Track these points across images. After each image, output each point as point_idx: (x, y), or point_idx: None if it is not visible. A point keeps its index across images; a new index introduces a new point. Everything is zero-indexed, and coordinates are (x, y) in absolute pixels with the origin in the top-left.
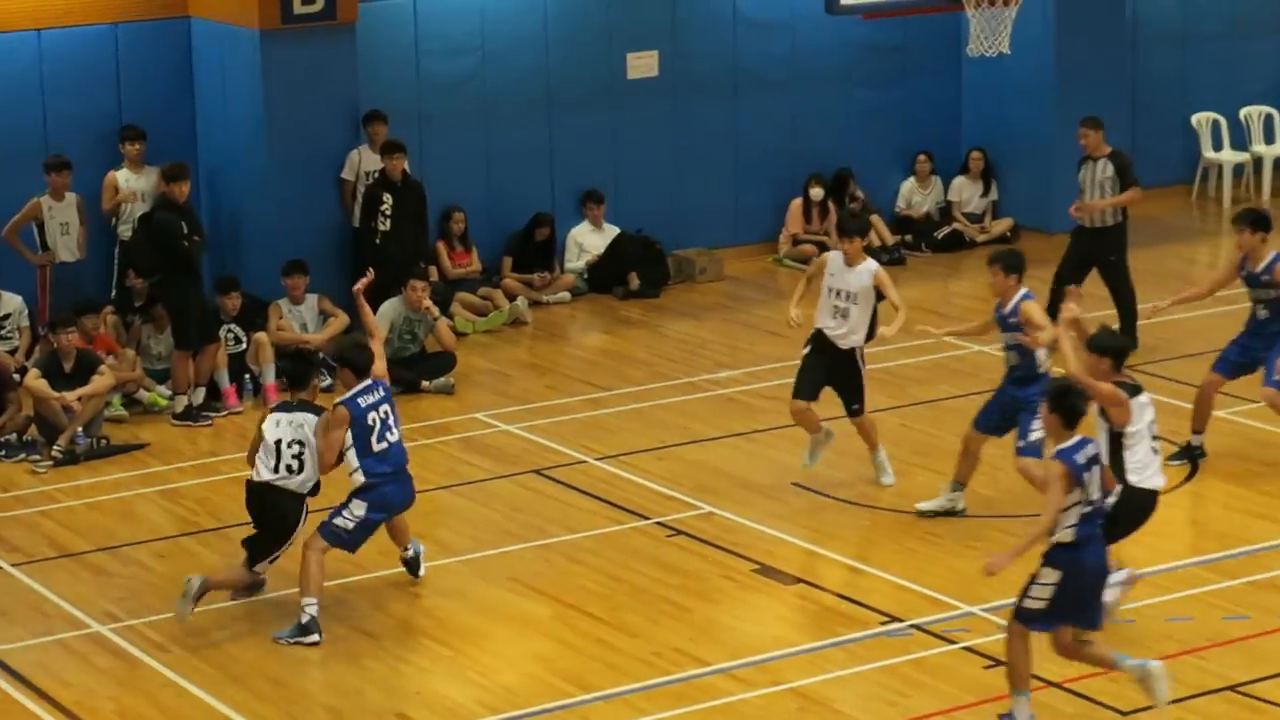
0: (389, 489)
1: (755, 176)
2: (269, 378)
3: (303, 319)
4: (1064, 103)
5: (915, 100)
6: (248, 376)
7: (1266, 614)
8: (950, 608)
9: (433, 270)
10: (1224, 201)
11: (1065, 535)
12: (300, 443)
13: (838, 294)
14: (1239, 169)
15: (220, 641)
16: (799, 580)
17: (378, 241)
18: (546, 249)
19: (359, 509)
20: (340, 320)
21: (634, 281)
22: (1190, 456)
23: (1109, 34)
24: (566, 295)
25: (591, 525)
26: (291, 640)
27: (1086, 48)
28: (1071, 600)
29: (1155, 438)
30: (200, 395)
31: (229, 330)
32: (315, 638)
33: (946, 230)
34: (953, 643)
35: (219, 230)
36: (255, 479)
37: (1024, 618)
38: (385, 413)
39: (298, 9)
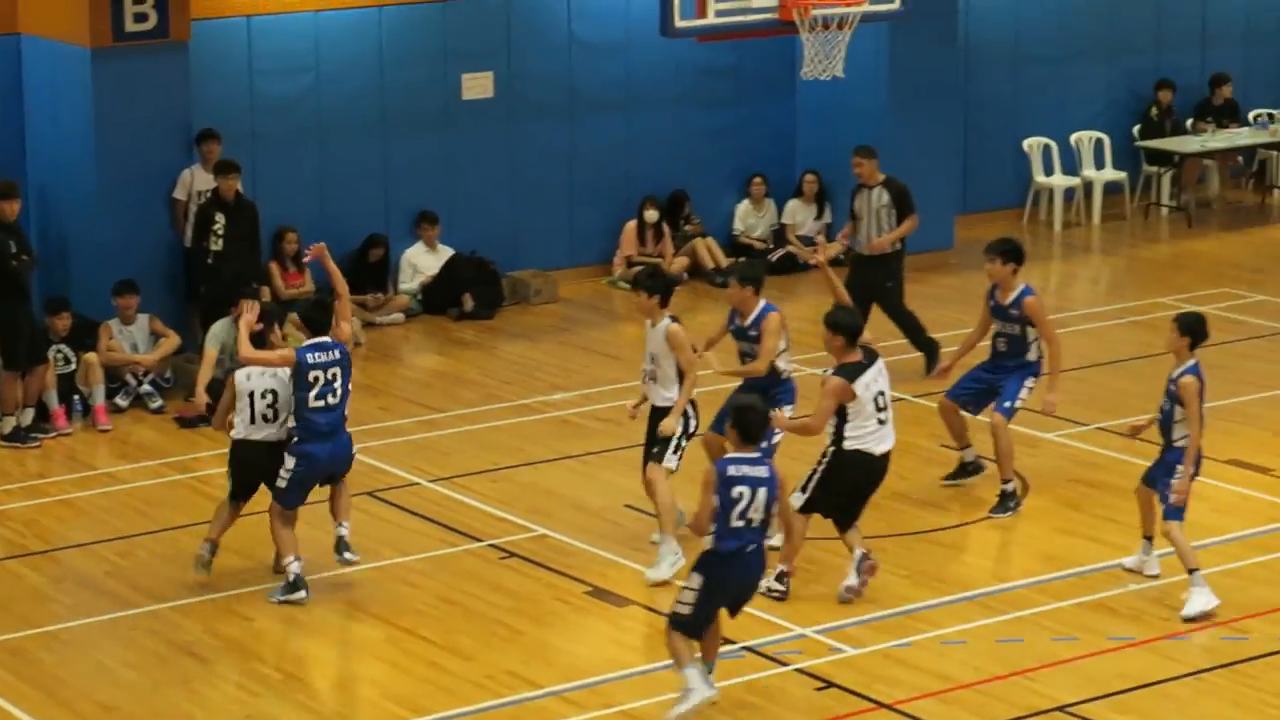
0: (314, 447)
1: (590, 198)
2: (99, 399)
3: (134, 339)
4: (897, 126)
5: (750, 123)
6: (77, 398)
7: (1094, 635)
8: (782, 630)
9: (265, 291)
10: (1055, 226)
11: (709, 543)
12: (274, 391)
13: (650, 357)
14: (1069, 193)
15: (48, 665)
16: (631, 603)
17: (209, 261)
18: (380, 270)
19: (289, 463)
20: (171, 340)
21: (468, 303)
22: (967, 473)
23: (942, 58)
24: (400, 316)
25: (424, 547)
26: (282, 599)
27: (919, 72)
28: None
29: (883, 408)
30: (29, 416)
31: (58, 351)
32: (302, 594)
33: (780, 253)
34: (784, 664)
35: (48, 249)
36: (236, 436)
37: (676, 623)
38: (334, 375)
39: (129, 27)
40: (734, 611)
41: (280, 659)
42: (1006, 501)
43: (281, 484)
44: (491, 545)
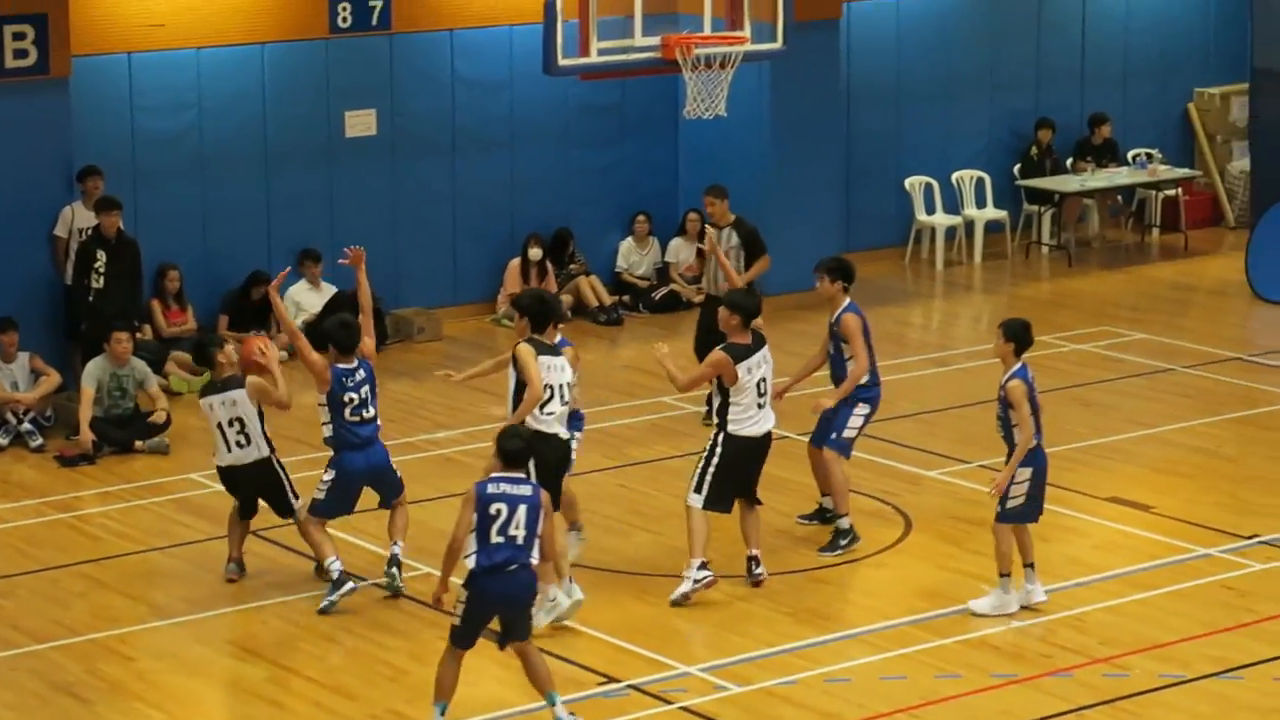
0: (351, 456)
1: (474, 236)
2: None
3: (14, 377)
4: (779, 164)
5: (633, 161)
6: None
7: (977, 672)
8: (667, 668)
9: (147, 328)
10: (937, 264)
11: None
12: (239, 419)
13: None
14: (951, 232)
15: None
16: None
17: (91, 299)
18: (263, 307)
19: (327, 475)
20: (52, 379)
21: None
22: (824, 518)
23: (824, 97)
24: (284, 354)
25: (308, 587)
26: (332, 599)
27: (801, 110)
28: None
29: (764, 393)
30: None
31: None
32: (350, 585)
33: (663, 291)
34: (669, 703)
35: None
36: (220, 464)
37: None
38: (365, 394)
39: (9, 63)
40: (507, 635)
41: (163, 699)
42: (838, 540)
43: (320, 495)
44: (375, 584)
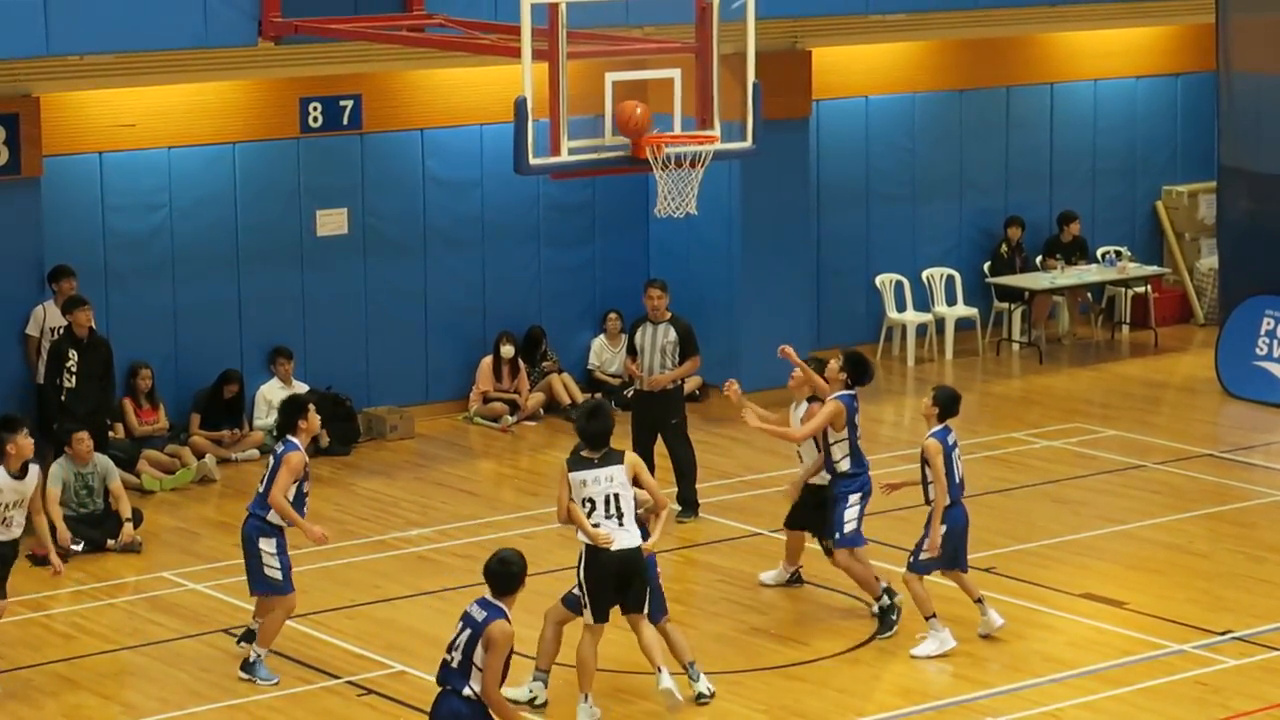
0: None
1: (446, 334)
2: None
3: None
4: (750, 262)
5: (604, 259)
6: None
7: None
8: None
9: (119, 427)
10: (908, 361)
11: None
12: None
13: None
14: (922, 329)
15: None
16: None
17: (63, 399)
18: (235, 405)
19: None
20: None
21: (324, 439)
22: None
23: (793, 196)
24: (255, 453)
25: (281, 685)
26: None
27: (771, 209)
28: None
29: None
30: None
31: None
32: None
33: (635, 389)
34: None
35: None
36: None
37: None
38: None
39: None
40: None
41: None
42: (888, 616)
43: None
44: (349, 682)
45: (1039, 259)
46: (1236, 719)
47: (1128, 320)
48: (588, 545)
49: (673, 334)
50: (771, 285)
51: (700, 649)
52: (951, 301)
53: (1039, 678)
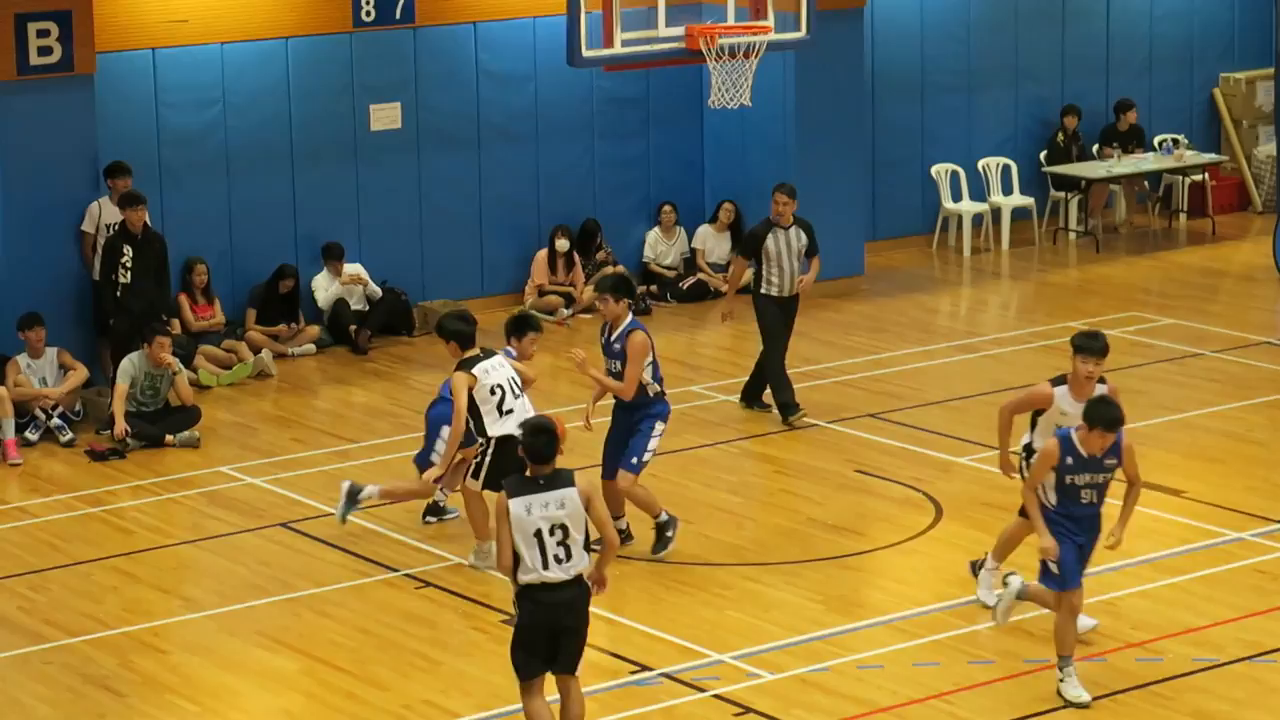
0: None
1: (500, 228)
2: (8, 433)
3: (42, 373)
4: (805, 154)
5: (658, 152)
6: None
7: (1010, 658)
8: (700, 655)
9: (175, 323)
10: (964, 251)
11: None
12: None
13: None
14: (978, 219)
15: None
16: None
17: (118, 295)
18: (291, 300)
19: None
20: (80, 373)
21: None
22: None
23: (848, 87)
24: (311, 347)
25: (339, 578)
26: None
27: (826, 100)
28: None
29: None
30: None
31: None
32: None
33: (691, 280)
34: (702, 690)
35: None
36: None
37: None
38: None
39: (34, 60)
40: None
41: (196, 692)
42: (664, 534)
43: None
44: (407, 575)
45: (1095, 148)
46: None
47: (1185, 208)
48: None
49: (804, 237)
50: (827, 177)
51: (757, 540)
52: (1007, 191)
53: (1096, 567)
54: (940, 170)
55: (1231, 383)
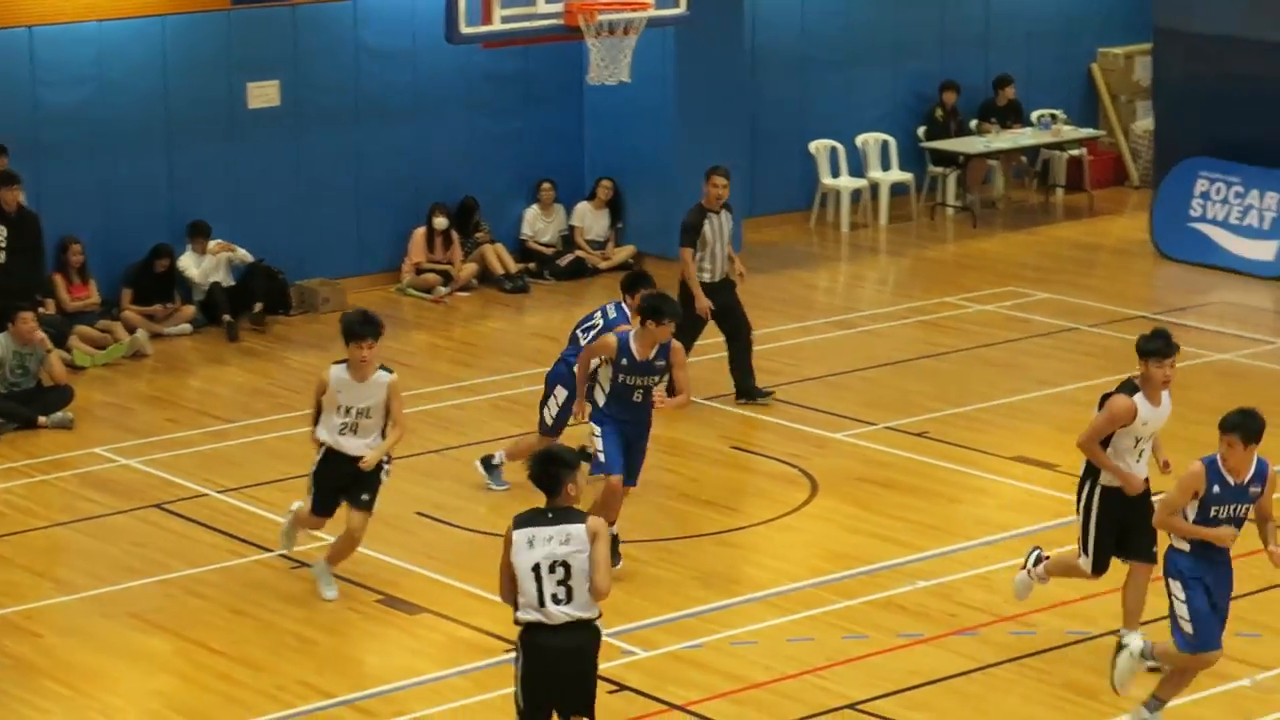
0: None
1: (378, 206)
2: None
3: None
4: (684, 130)
5: (537, 128)
6: None
7: (884, 633)
8: None
9: (50, 303)
10: (842, 227)
11: None
12: None
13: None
14: (856, 195)
15: None
16: (423, 610)
17: None
18: (167, 280)
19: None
20: None
21: (257, 308)
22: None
23: (728, 62)
24: (187, 327)
25: (213, 559)
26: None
27: (706, 76)
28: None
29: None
30: None
31: None
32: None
33: (570, 258)
34: None
35: None
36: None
37: None
38: None
39: None
40: None
41: (69, 675)
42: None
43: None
44: (282, 555)
45: (974, 123)
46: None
47: (1062, 183)
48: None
49: (730, 220)
50: (706, 153)
51: (634, 517)
52: (886, 167)
53: (970, 540)
54: (819, 146)
55: (1107, 356)
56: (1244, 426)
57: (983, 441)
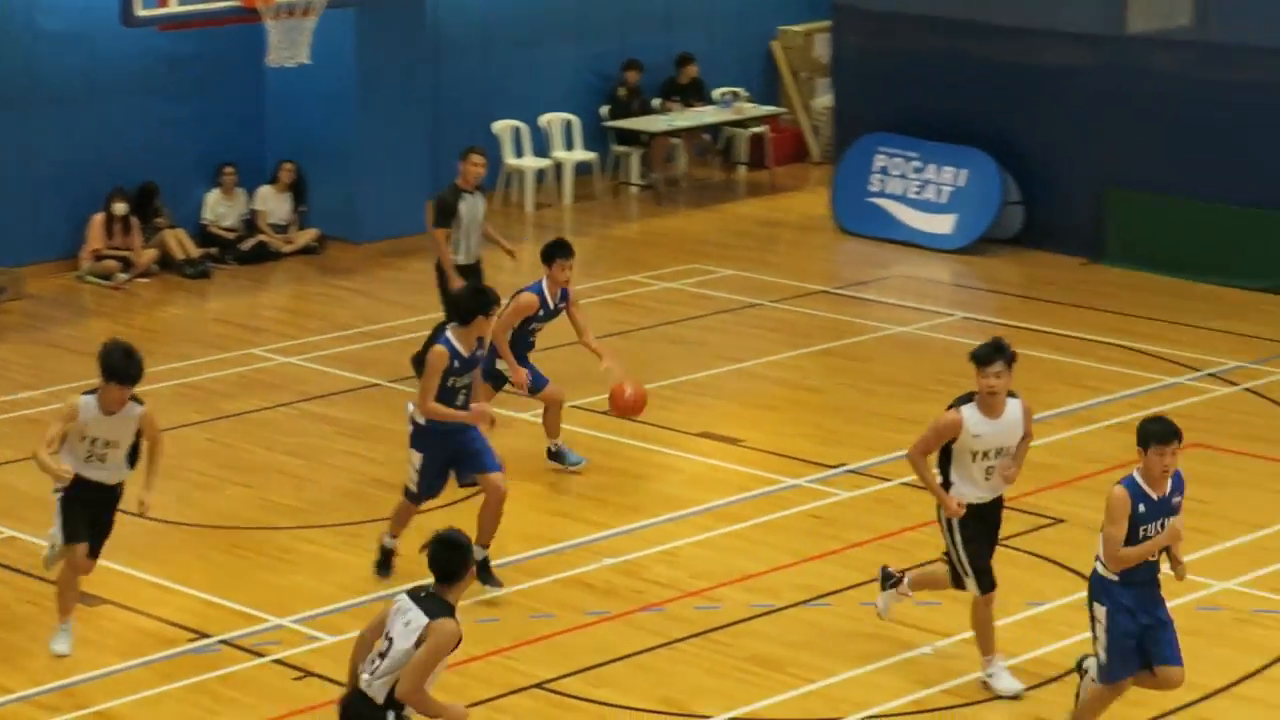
0: None
1: (55, 191)
2: None
3: None
4: (367, 112)
5: (217, 112)
6: None
7: (571, 611)
8: (259, 621)
9: None
10: (527, 207)
11: None
12: None
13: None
14: (540, 175)
15: None
16: (105, 602)
17: None
18: None
19: None
20: None
21: None
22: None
23: (410, 43)
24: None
25: None
26: None
27: (388, 58)
28: None
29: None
30: None
31: None
32: None
33: (252, 242)
34: (262, 655)
35: None
36: None
37: None
38: None
39: None
40: None
41: None
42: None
43: None
44: None
45: (657, 102)
46: (849, 549)
47: (745, 160)
48: None
49: (483, 201)
50: (389, 134)
51: (318, 502)
52: (570, 146)
53: (656, 517)
54: (503, 127)
55: (789, 331)
56: (1169, 430)
57: (668, 418)
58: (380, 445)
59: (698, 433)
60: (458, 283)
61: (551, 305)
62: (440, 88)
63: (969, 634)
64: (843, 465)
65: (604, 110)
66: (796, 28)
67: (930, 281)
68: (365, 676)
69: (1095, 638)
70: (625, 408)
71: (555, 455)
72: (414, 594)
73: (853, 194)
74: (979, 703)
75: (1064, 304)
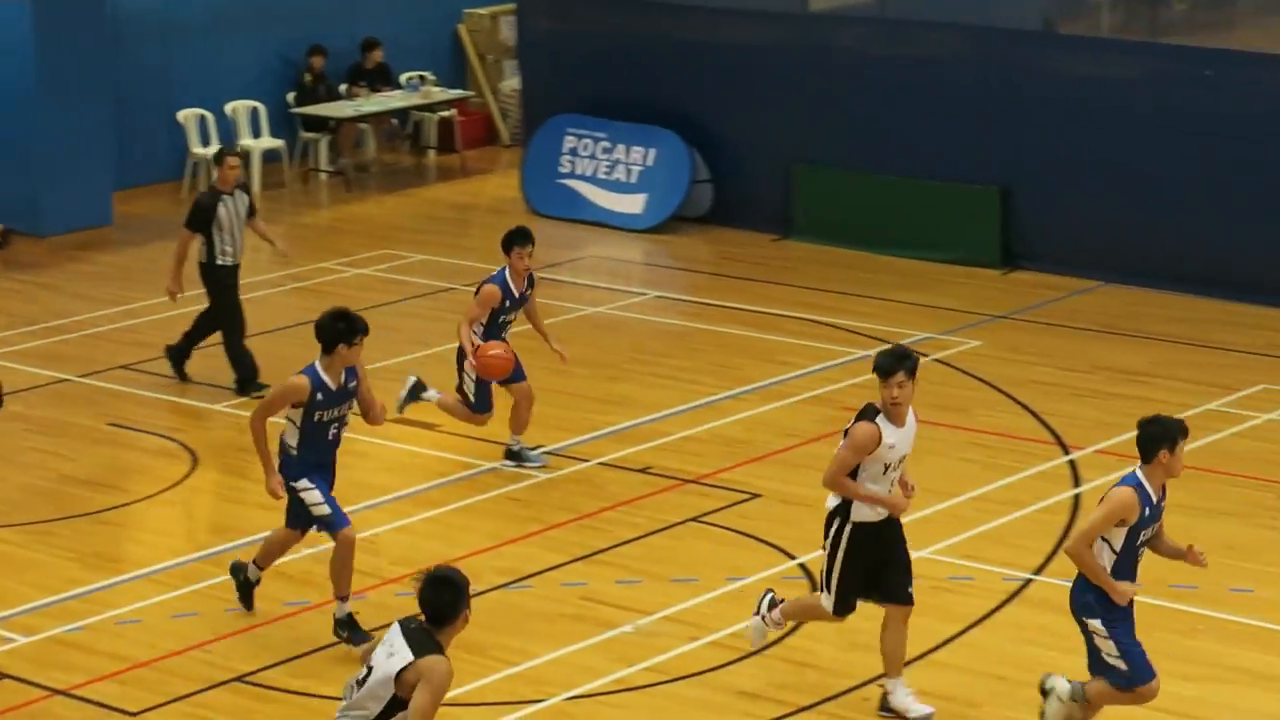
0: None
1: None
2: None
3: None
4: (47, 103)
5: None
6: None
7: (271, 602)
8: None
9: None
10: None
11: None
12: None
13: None
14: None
15: None
16: None
17: None
18: None
19: None
20: None
21: None
22: None
23: (89, 32)
24: None
25: None
26: None
27: (68, 46)
28: None
29: None
30: None
31: None
32: None
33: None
34: None
35: None
36: None
37: None
38: None
39: None
40: None
41: None
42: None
43: None
44: None
45: (343, 87)
46: (548, 530)
47: (434, 145)
48: None
49: (246, 198)
50: (70, 125)
51: (7, 500)
52: (257, 134)
53: (354, 505)
54: (188, 115)
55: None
56: (1179, 428)
57: None
58: (70, 441)
59: (392, 419)
60: (175, 287)
61: (517, 293)
62: (122, 76)
63: (669, 611)
64: (540, 447)
65: (290, 97)
66: (482, 11)
67: (622, 261)
68: (340, 706)
69: (1098, 655)
70: (488, 364)
71: (514, 455)
72: (404, 623)
73: (543, 176)
74: (681, 679)
75: (754, 280)
